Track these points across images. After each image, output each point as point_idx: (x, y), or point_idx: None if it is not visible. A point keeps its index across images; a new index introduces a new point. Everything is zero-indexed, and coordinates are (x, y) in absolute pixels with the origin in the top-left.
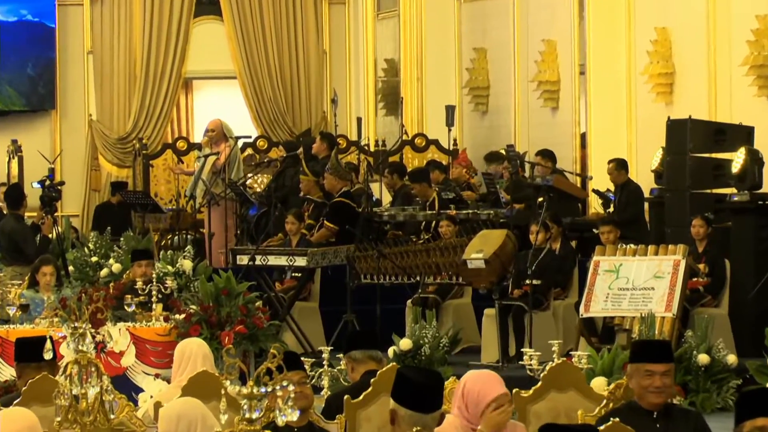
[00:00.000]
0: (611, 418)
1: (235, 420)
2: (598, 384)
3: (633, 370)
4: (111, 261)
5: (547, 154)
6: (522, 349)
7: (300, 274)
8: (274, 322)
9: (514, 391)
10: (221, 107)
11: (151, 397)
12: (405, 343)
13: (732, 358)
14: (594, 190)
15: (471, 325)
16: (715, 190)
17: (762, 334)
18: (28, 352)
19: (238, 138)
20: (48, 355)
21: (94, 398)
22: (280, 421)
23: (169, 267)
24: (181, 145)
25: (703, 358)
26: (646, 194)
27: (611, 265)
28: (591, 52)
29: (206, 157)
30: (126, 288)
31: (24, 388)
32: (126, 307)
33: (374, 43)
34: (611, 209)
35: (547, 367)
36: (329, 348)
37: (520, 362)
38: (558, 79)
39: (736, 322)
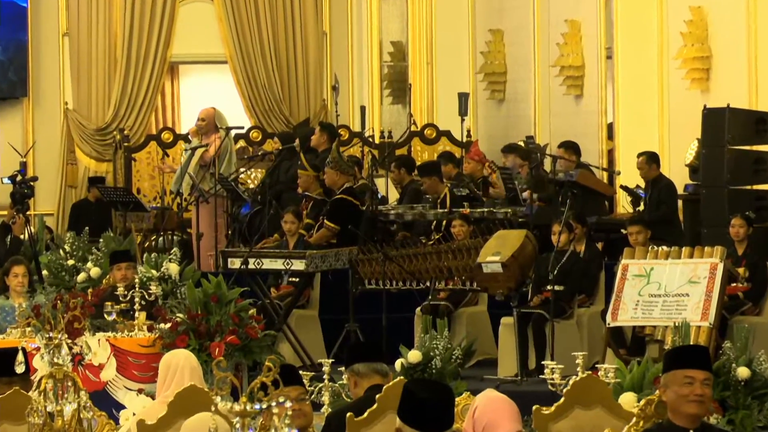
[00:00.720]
0: None
1: None
2: (627, 400)
3: (669, 378)
4: (89, 264)
5: (571, 147)
6: (543, 362)
7: (298, 279)
8: (269, 332)
9: (534, 408)
10: (210, 95)
11: (134, 414)
12: (413, 356)
13: None
14: (622, 187)
15: (486, 335)
16: (755, 186)
17: None
18: None
19: (229, 129)
20: (20, 369)
21: (71, 416)
22: None
23: (153, 271)
24: (167, 136)
25: (742, 372)
26: (680, 191)
27: (641, 269)
28: (619, 33)
29: (194, 149)
30: (106, 294)
31: None
32: (106, 316)
33: (379, 24)
34: (641, 207)
35: (571, 382)
36: (330, 360)
37: (541, 376)
38: (582, 63)
39: None
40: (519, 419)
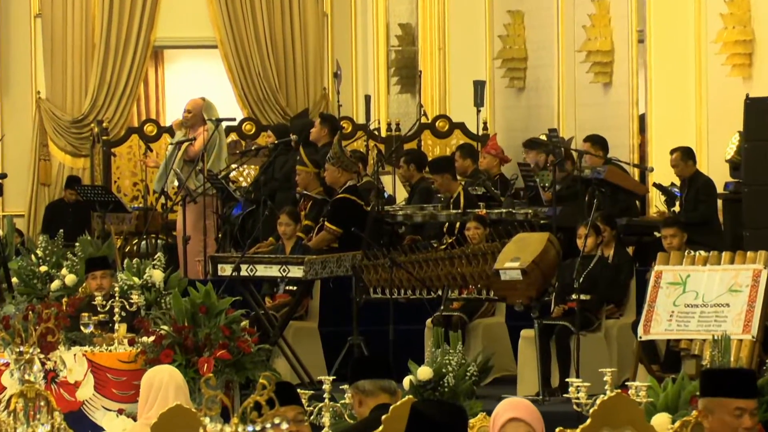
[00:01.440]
0: None
1: None
2: (661, 421)
3: (713, 405)
4: (64, 271)
5: (598, 141)
6: (567, 379)
7: (295, 288)
8: (263, 346)
9: (557, 430)
10: (199, 83)
11: None
12: (424, 372)
13: None
14: (655, 185)
15: (505, 349)
16: None
17: None
18: None
19: (219, 121)
20: None
21: None
22: None
23: (135, 279)
24: (150, 129)
25: None
26: (720, 189)
27: (676, 276)
28: (652, 15)
29: (179, 143)
30: (82, 304)
31: None
32: (82, 328)
33: (386, 4)
34: (676, 208)
35: (598, 401)
36: (331, 377)
37: (565, 395)
38: (611, 48)
39: None
40: (540, 419)
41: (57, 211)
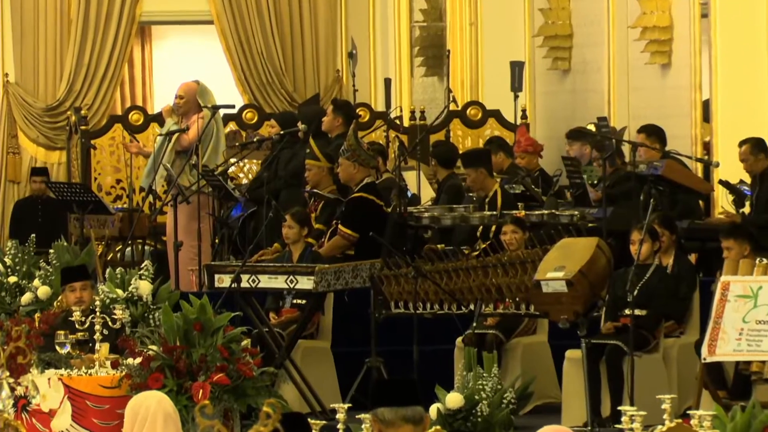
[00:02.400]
0: None
1: None
2: None
3: None
4: (36, 282)
5: (655, 132)
6: (620, 407)
7: (304, 302)
8: (267, 369)
9: None
10: (192, 65)
11: None
12: (453, 399)
13: None
14: (721, 182)
15: (547, 372)
16: None
17: None
18: None
19: (216, 108)
20: None
21: None
22: None
23: (119, 291)
24: (136, 117)
25: None
26: None
27: (747, 288)
28: None
29: (169, 134)
30: (58, 321)
31: None
32: (58, 348)
33: None
34: (746, 209)
35: None
36: (346, 405)
37: (617, 425)
38: (670, 23)
39: None
40: None
41: (27, 213)
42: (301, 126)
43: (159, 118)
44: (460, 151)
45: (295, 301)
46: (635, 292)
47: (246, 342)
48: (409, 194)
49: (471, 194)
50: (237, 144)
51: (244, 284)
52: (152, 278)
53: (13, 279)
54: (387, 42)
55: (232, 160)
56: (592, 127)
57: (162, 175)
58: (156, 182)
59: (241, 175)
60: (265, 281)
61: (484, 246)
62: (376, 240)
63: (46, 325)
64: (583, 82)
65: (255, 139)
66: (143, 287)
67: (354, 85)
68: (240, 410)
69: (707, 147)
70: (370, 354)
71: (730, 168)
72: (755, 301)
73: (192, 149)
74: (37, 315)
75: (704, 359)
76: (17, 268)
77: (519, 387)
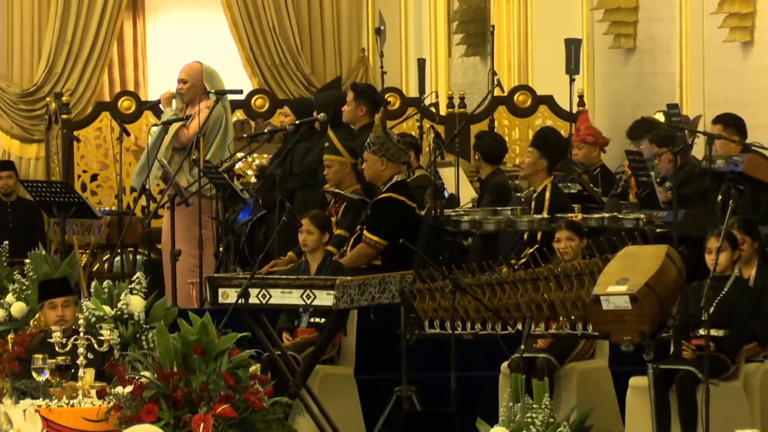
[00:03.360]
0: None
1: None
2: None
3: None
4: (10, 298)
5: (734, 122)
6: None
7: (323, 320)
8: (280, 399)
9: None
10: (193, 44)
11: None
12: None
13: None
14: None
15: (608, 403)
16: None
17: None
18: None
19: (222, 93)
20: None
21: None
22: None
23: (106, 308)
24: (126, 105)
25: None
26: None
27: None
28: None
29: (168, 123)
30: (35, 343)
31: None
32: (35, 375)
33: None
34: None
35: None
36: None
37: None
38: None
39: None
40: None
41: None
42: (319, 115)
43: (155, 107)
44: (508, 144)
45: (312, 320)
46: (711, 309)
47: (255, 368)
48: (446, 194)
49: (519, 194)
50: (245, 135)
51: (252, 300)
52: (145, 293)
53: None
54: (420, 16)
55: (240, 155)
56: (660, 117)
57: (156, 174)
58: (150, 181)
59: (250, 172)
60: (278, 296)
61: (531, 251)
62: (408, 248)
63: (22, 348)
64: (651, 64)
65: (266, 130)
66: (135, 303)
67: (382, 67)
68: None
69: None
70: (399, 382)
71: None
72: None
73: (191, 143)
74: (10, 336)
75: None
76: None
77: (575, 420)
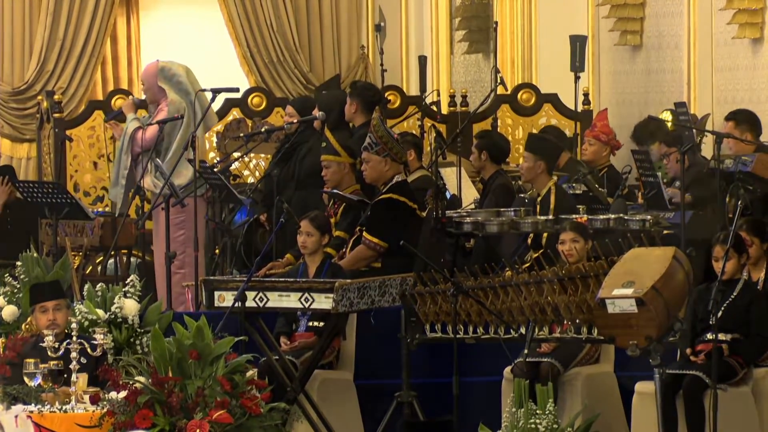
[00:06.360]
0: None
1: None
2: None
3: None
4: (1, 301)
5: (747, 119)
6: None
7: (322, 324)
8: (278, 404)
9: None
10: (187, 40)
11: None
12: None
13: None
14: None
15: (614, 409)
16: None
17: None
18: None
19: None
20: None
21: None
22: None
23: (99, 312)
24: (120, 103)
25: None
26: None
27: None
28: None
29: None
30: (27, 348)
31: None
32: (27, 380)
33: None
34: None
35: None
36: None
37: None
38: None
39: None
40: None
41: None
42: (318, 113)
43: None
44: (511, 143)
45: (310, 324)
46: (719, 313)
47: (252, 373)
48: (448, 195)
49: (523, 195)
50: (241, 135)
51: (249, 303)
52: (139, 296)
53: None
54: (422, 12)
55: (236, 155)
56: (667, 115)
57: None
58: (123, 197)
59: (246, 172)
60: (275, 300)
61: (536, 255)
62: (408, 250)
63: (13, 353)
64: (658, 61)
65: (263, 130)
66: (129, 307)
67: (382, 65)
68: None
69: None
70: (400, 387)
71: None
72: None
73: (151, 146)
74: (1, 340)
75: None
76: None
77: (579, 426)
